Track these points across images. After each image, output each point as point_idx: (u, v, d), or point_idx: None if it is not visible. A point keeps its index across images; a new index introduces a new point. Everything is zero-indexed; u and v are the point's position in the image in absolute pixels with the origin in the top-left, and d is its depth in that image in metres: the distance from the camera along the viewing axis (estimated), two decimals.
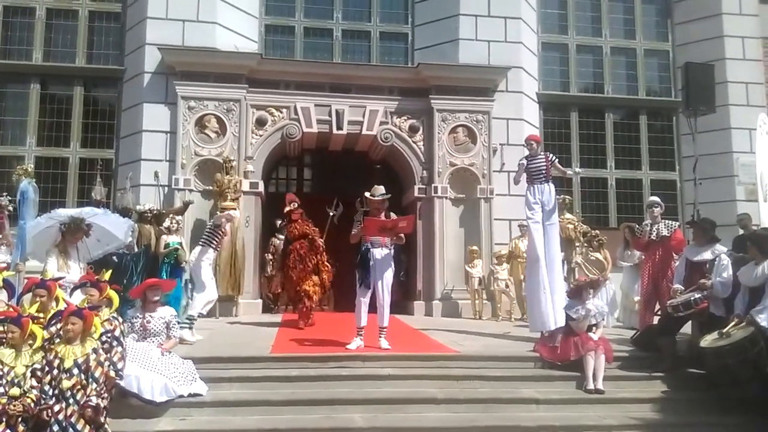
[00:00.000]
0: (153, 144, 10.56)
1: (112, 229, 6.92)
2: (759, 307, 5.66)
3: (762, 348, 5.47)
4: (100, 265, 6.48)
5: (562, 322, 6.82)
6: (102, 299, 5.28)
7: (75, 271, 6.19)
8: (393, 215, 6.92)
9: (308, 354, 6.41)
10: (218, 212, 9.91)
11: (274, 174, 12.55)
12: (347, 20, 12.08)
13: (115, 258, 7.61)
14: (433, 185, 11.11)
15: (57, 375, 4.44)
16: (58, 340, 4.67)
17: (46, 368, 4.49)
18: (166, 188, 10.48)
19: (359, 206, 7.33)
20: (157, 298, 5.87)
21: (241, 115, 10.73)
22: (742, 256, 6.41)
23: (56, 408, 4.35)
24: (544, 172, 7.56)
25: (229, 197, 10.03)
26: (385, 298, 6.71)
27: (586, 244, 9.57)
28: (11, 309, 4.94)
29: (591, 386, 5.94)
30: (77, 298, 5.44)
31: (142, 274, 7.76)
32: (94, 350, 4.59)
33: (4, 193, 8.04)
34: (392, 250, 6.83)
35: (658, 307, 7.35)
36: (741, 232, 8.38)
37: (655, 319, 7.23)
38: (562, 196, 9.64)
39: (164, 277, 7.91)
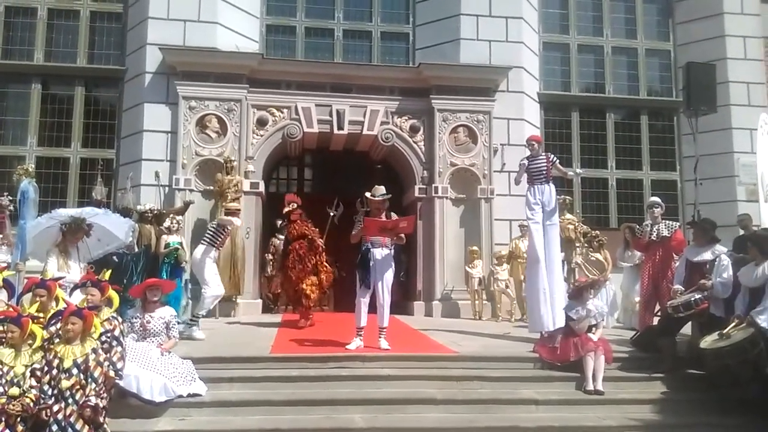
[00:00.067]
0: (154, 144, 10.57)
1: (113, 229, 6.94)
2: (759, 308, 5.65)
3: (762, 349, 5.46)
4: (101, 265, 6.49)
5: (561, 323, 6.82)
6: (103, 299, 5.29)
7: (75, 271, 6.21)
8: (393, 215, 6.92)
9: (308, 354, 6.41)
10: (221, 212, 9.94)
11: (274, 174, 12.55)
12: (348, 20, 12.08)
13: (115, 258, 7.63)
14: (433, 185, 11.11)
15: (56, 375, 4.45)
16: (57, 339, 4.68)
17: (46, 368, 4.50)
18: (167, 188, 10.49)
19: (360, 206, 7.33)
20: (156, 298, 5.87)
21: (242, 115, 10.74)
22: (742, 256, 6.40)
23: (55, 408, 4.36)
24: (544, 172, 7.55)
25: (229, 197, 10.03)
26: (385, 299, 6.71)
27: (586, 245, 9.56)
28: (11, 309, 4.96)
29: (590, 387, 5.93)
30: (77, 298, 5.46)
31: (142, 274, 7.79)
32: (94, 350, 4.60)
33: (5, 193, 8.07)
34: (392, 251, 6.83)
35: (657, 307, 7.35)
36: (741, 232, 8.38)
37: (655, 320, 7.23)
38: (562, 196, 9.62)
39: (164, 277, 7.94)
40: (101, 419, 4.50)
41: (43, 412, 4.34)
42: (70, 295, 5.64)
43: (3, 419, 4.31)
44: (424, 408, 5.66)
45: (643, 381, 6.21)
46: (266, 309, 11.03)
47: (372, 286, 6.64)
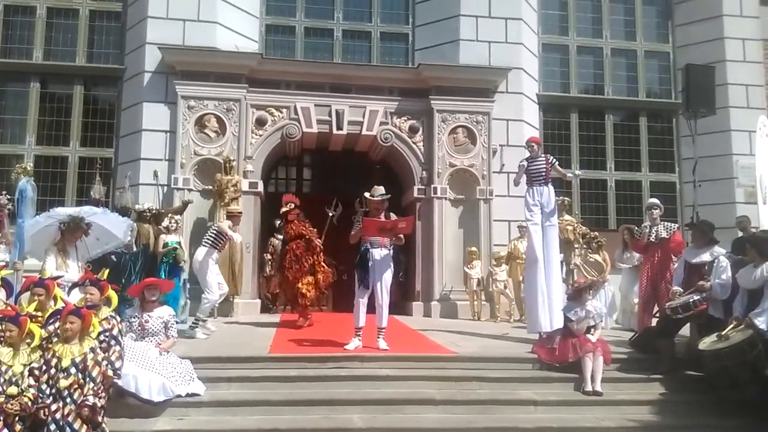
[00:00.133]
0: (152, 143, 10.55)
1: (112, 228, 6.92)
2: (758, 310, 5.65)
3: (760, 350, 5.47)
4: (99, 264, 6.48)
5: (559, 324, 6.82)
6: (102, 298, 5.27)
7: (74, 270, 6.19)
8: (393, 216, 6.92)
9: (307, 354, 6.41)
10: (220, 211, 9.95)
11: (273, 174, 12.54)
12: (348, 20, 12.08)
13: (113, 257, 7.63)
14: (432, 186, 11.11)
15: (54, 374, 4.44)
16: (56, 339, 4.66)
17: (44, 367, 4.49)
18: (165, 187, 10.47)
19: (359, 207, 7.33)
20: (154, 297, 5.86)
21: (241, 115, 10.73)
22: (741, 258, 6.41)
23: (53, 407, 4.34)
24: (543, 174, 7.56)
25: (227, 197, 10.03)
26: (384, 299, 6.71)
27: (585, 246, 9.56)
28: (9, 308, 4.95)
29: (589, 388, 5.94)
30: (75, 297, 5.44)
31: (140, 274, 7.79)
32: (92, 349, 4.59)
33: (4, 192, 8.05)
34: (391, 251, 6.83)
35: (656, 309, 7.35)
36: (740, 234, 8.39)
37: (654, 321, 7.23)
38: (561, 197, 9.63)
39: (163, 276, 7.95)
40: (99, 418, 4.49)
41: (41, 411, 4.33)
42: (69, 294, 5.63)
43: (1, 418, 4.30)
44: (422, 408, 5.65)
45: (642, 382, 6.22)
46: (265, 309, 11.02)
47: (371, 287, 6.64)
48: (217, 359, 6.16)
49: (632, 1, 13.01)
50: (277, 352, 6.49)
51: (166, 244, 8.52)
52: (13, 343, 4.59)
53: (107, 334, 4.93)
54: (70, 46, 11.44)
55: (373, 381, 5.95)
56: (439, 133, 11.18)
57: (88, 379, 4.47)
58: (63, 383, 4.40)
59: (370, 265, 6.61)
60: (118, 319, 5.34)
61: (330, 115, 11.08)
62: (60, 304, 5.10)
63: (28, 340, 4.65)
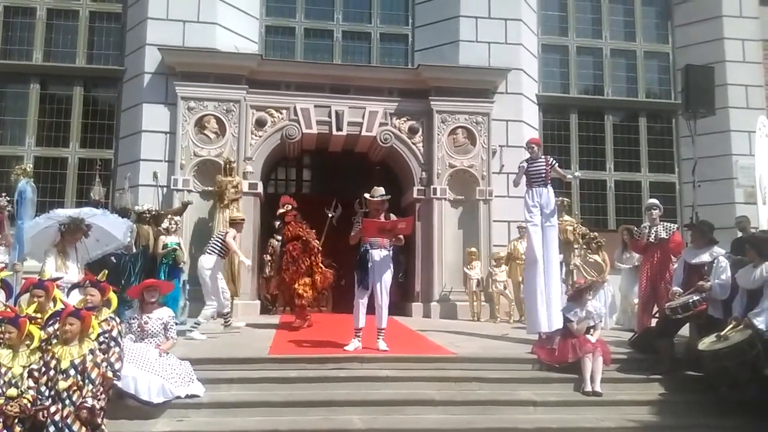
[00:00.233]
0: (152, 144, 10.56)
1: (111, 229, 6.92)
2: (757, 310, 5.66)
3: (760, 350, 5.47)
4: (99, 265, 6.48)
5: (559, 325, 6.82)
6: (102, 300, 5.27)
7: (73, 272, 6.19)
8: (392, 216, 6.92)
9: (306, 355, 6.40)
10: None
11: (273, 175, 12.56)
12: (347, 21, 12.09)
13: (113, 258, 7.63)
14: (432, 186, 11.11)
15: (53, 376, 4.44)
16: (55, 340, 4.66)
17: (43, 369, 4.49)
18: (165, 189, 10.48)
19: (358, 207, 7.33)
20: (154, 299, 5.84)
21: (241, 116, 10.74)
22: (740, 258, 6.41)
23: (52, 409, 4.34)
24: (543, 175, 7.56)
25: (227, 198, 10.04)
26: (384, 300, 6.71)
27: (584, 246, 9.56)
28: (9, 309, 4.94)
29: (589, 388, 5.94)
30: (75, 298, 5.44)
31: (140, 275, 7.79)
32: (91, 351, 4.59)
33: (3, 194, 8.05)
34: (391, 252, 6.83)
35: (656, 309, 7.35)
36: (739, 234, 8.39)
37: (653, 322, 7.23)
38: (560, 198, 9.63)
39: (162, 277, 7.95)
40: (99, 420, 4.49)
41: (40, 413, 4.33)
42: (68, 295, 5.63)
43: (1, 420, 4.30)
44: (422, 409, 5.65)
45: (642, 382, 6.21)
46: (264, 310, 11.02)
47: (370, 287, 6.64)
48: (216, 360, 6.15)
49: (632, 2, 13.02)
50: (276, 353, 6.48)
51: (165, 246, 8.53)
52: (12, 344, 4.59)
53: (107, 335, 4.92)
54: (70, 48, 11.46)
55: (373, 382, 5.95)
56: (438, 134, 11.18)
57: (87, 380, 4.47)
58: (62, 385, 4.40)
59: (369, 266, 6.60)
60: (118, 320, 5.33)
61: (330, 116, 11.08)
62: (59, 306, 5.10)
63: (28, 342, 4.65)
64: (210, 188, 10.45)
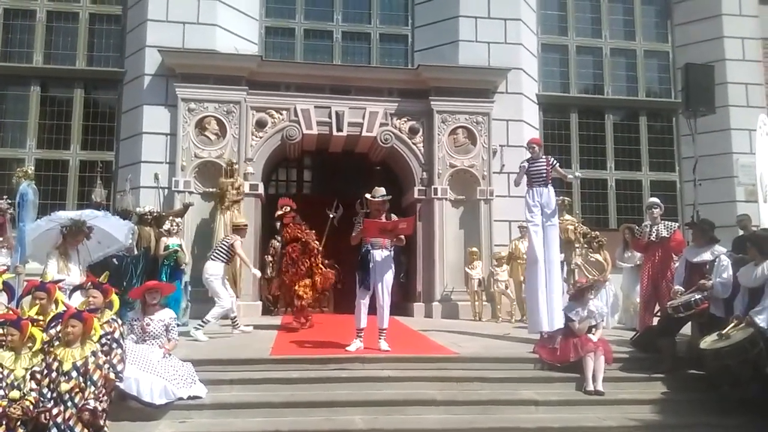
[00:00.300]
0: (153, 146, 10.57)
1: (113, 231, 6.94)
2: (758, 308, 5.65)
3: (762, 349, 5.47)
4: (101, 267, 6.49)
5: (560, 324, 6.83)
6: (105, 302, 5.28)
7: (75, 274, 6.21)
8: (393, 217, 6.92)
9: (308, 356, 6.41)
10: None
11: (274, 176, 12.56)
12: (347, 22, 12.09)
13: (115, 260, 7.63)
14: (432, 187, 11.11)
15: (55, 378, 4.45)
16: (57, 342, 4.66)
17: (45, 371, 4.50)
18: (166, 190, 10.49)
19: (359, 208, 7.33)
20: (155, 301, 5.86)
21: (241, 117, 10.74)
22: (741, 257, 6.40)
23: (54, 411, 4.35)
24: (544, 175, 7.57)
25: (227, 200, 10.04)
26: (385, 300, 6.71)
27: (585, 246, 9.57)
28: (11, 312, 4.95)
29: (590, 387, 5.93)
30: (76, 300, 5.45)
31: (141, 277, 7.80)
32: (93, 353, 4.59)
33: (5, 196, 8.05)
34: (392, 252, 6.83)
35: (657, 308, 7.35)
36: (740, 233, 8.39)
37: (655, 321, 7.23)
38: (561, 197, 9.64)
39: (164, 279, 7.95)
40: (101, 422, 4.50)
41: (43, 415, 4.33)
42: (70, 297, 5.64)
43: (4, 422, 4.30)
44: (424, 409, 5.65)
45: (643, 381, 6.21)
46: (266, 311, 11.02)
47: (372, 288, 6.63)
48: (218, 362, 6.16)
49: (631, 1, 13.03)
50: (278, 354, 6.49)
51: (167, 247, 8.55)
52: (14, 347, 4.60)
53: (109, 337, 4.93)
54: (70, 50, 11.47)
55: (375, 382, 5.95)
56: (439, 134, 11.19)
57: (89, 382, 4.48)
58: (64, 387, 4.41)
59: (371, 266, 6.60)
60: (120, 322, 5.34)
61: (330, 117, 11.09)
62: (61, 308, 5.11)
63: (30, 344, 4.66)
64: (211, 189, 10.46)
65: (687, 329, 6.77)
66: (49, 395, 4.42)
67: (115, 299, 5.38)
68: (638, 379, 6.25)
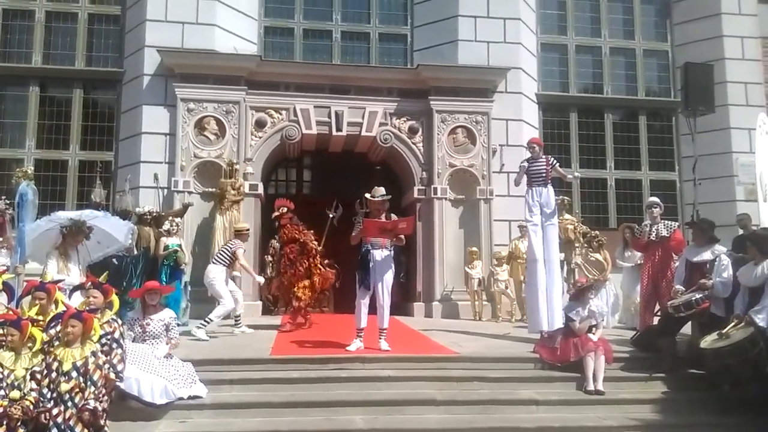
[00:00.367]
0: (152, 146, 10.56)
1: (113, 231, 6.94)
2: (758, 308, 5.65)
3: (762, 348, 5.47)
4: (101, 267, 6.48)
5: (559, 323, 6.83)
6: (105, 302, 5.27)
7: (75, 274, 6.21)
8: (393, 216, 6.92)
9: (308, 356, 6.40)
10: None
11: (273, 176, 12.56)
12: (346, 22, 12.09)
13: (115, 260, 7.63)
14: (432, 186, 11.11)
15: (55, 378, 4.44)
16: (57, 342, 4.66)
17: (45, 371, 4.49)
18: (166, 190, 10.48)
19: (359, 207, 7.32)
20: (155, 302, 5.85)
21: (241, 117, 10.74)
22: (741, 256, 6.40)
23: (54, 411, 4.35)
24: (544, 175, 7.58)
25: (227, 201, 10.03)
26: (385, 300, 6.70)
27: (585, 245, 9.56)
28: (11, 312, 4.95)
29: (591, 387, 5.93)
30: (76, 300, 5.45)
31: (141, 277, 7.79)
32: (93, 353, 4.59)
33: (4, 197, 8.05)
34: (392, 252, 6.82)
35: (657, 307, 7.35)
36: (740, 232, 8.39)
37: (655, 320, 7.23)
38: (561, 197, 9.64)
39: (164, 279, 7.96)
40: (101, 422, 4.50)
41: (43, 415, 4.33)
42: (70, 297, 5.63)
43: (4, 423, 4.30)
44: (424, 409, 5.65)
45: (644, 381, 6.21)
46: (266, 311, 11.01)
47: (372, 288, 6.63)
48: (218, 362, 6.16)
49: (630, 0, 13.02)
50: (278, 354, 6.49)
51: (167, 247, 8.54)
52: (14, 347, 4.59)
53: (109, 337, 4.93)
54: (69, 50, 11.47)
55: (375, 382, 5.95)
56: (438, 134, 11.18)
57: (89, 382, 4.48)
58: (64, 387, 4.40)
59: (371, 266, 6.60)
60: (120, 322, 5.34)
61: (329, 117, 11.08)
62: (61, 308, 5.10)
63: (30, 344, 4.66)
64: (210, 189, 10.46)
65: (687, 329, 6.77)
66: (49, 395, 4.42)
67: (115, 299, 5.38)
68: (638, 378, 6.24)
